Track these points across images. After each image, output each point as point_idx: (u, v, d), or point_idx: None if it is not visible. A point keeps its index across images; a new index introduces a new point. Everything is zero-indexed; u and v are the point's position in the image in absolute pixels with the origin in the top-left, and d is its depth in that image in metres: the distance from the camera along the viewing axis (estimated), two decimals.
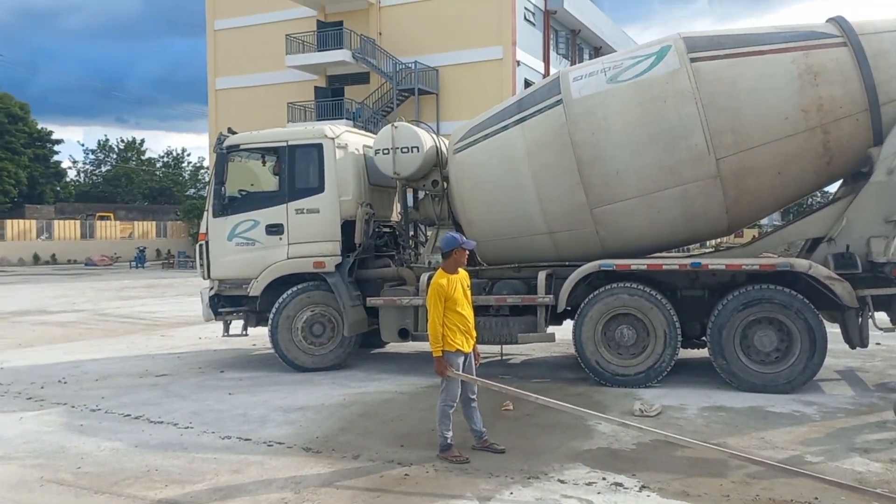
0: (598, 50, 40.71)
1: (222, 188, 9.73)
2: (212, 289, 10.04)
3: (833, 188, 9.53)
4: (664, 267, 8.40)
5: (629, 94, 8.22)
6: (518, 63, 31.79)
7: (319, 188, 9.54)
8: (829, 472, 5.29)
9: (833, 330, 8.26)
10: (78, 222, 46.61)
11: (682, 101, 7.96)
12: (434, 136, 9.84)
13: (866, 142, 7.90)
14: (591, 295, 8.47)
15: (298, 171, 9.65)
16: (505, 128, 8.87)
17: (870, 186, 7.87)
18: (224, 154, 9.71)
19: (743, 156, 7.91)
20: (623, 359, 8.39)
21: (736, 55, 8.04)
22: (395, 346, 11.22)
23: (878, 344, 10.26)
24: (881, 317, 8.03)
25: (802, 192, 8.65)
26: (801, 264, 7.85)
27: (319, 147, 9.55)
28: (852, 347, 8.39)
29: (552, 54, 35.81)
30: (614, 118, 8.21)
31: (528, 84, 29.90)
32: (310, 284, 9.65)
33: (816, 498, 4.91)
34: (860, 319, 8.06)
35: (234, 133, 10.02)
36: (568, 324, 8.95)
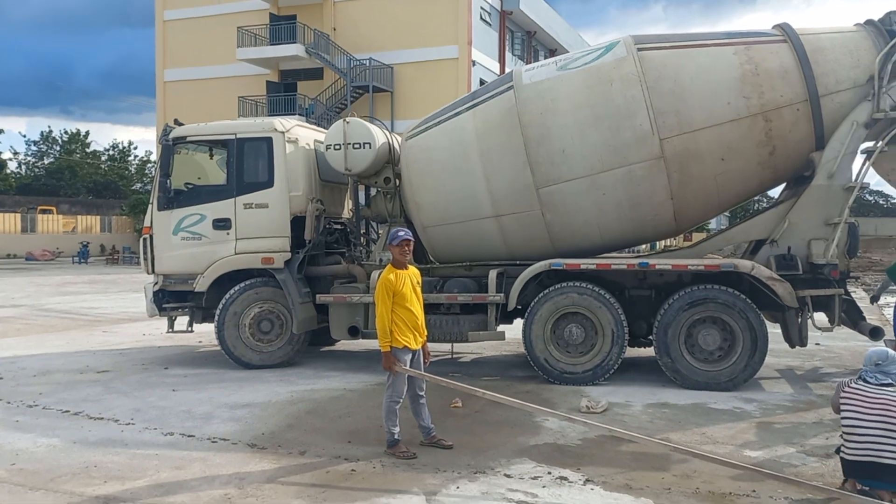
0: (553, 52, 41.07)
1: (167, 181, 9.49)
2: (156, 284, 9.82)
3: (777, 193, 9.81)
4: (613, 266, 8.51)
5: (577, 78, 8.46)
6: (473, 63, 31.88)
7: (268, 183, 9.40)
8: (766, 466, 5.43)
9: (774, 330, 8.48)
10: (18, 215, 45.03)
11: (627, 84, 8.17)
12: (387, 132, 9.78)
13: (807, 134, 8.13)
14: (541, 294, 8.53)
15: (247, 164, 9.49)
16: (457, 114, 9.02)
17: (811, 190, 8.13)
18: (170, 146, 9.49)
19: (686, 138, 8.08)
20: (571, 357, 8.47)
21: (681, 47, 8.39)
22: (344, 344, 11.13)
23: (817, 344, 10.58)
24: (820, 317, 8.28)
25: (748, 186, 8.65)
26: (745, 265, 8.04)
27: (269, 141, 9.41)
28: (792, 346, 8.63)
29: (507, 55, 36.00)
30: (562, 100, 8.40)
31: (483, 84, 30.00)
32: (258, 281, 9.51)
33: (754, 490, 5.04)
34: (800, 319, 8.29)
35: (180, 124, 9.83)
36: (518, 322, 9.01)
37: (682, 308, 8.13)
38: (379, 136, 9.39)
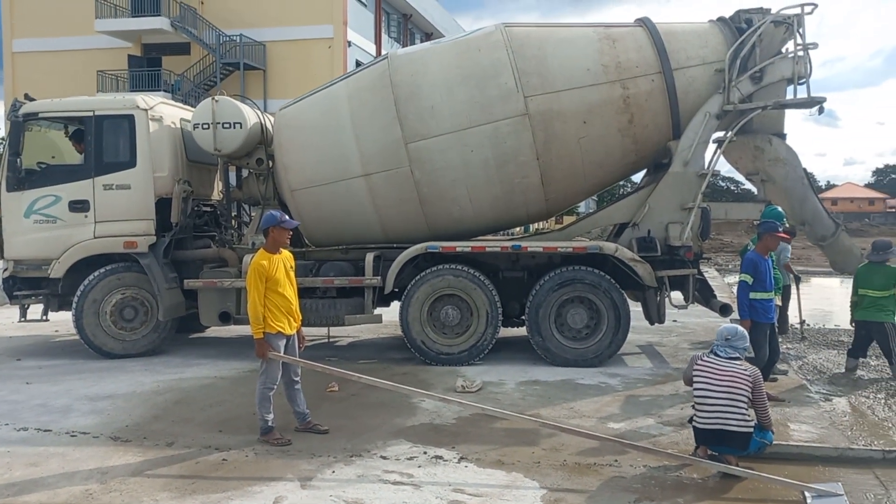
0: (430, 36, 41.17)
1: (17, 160, 8.84)
2: (6, 270, 9.16)
3: (639, 179, 10.33)
4: (487, 249, 8.72)
5: (448, 48, 9.00)
6: (349, 43, 31.43)
7: (130, 163, 8.94)
8: (627, 437, 5.76)
9: (635, 308, 8.97)
10: None
11: (493, 49, 8.58)
12: (259, 112, 9.51)
13: (662, 103, 8.60)
14: (418, 276, 8.62)
15: (107, 143, 8.99)
16: (332, 85, 9.20)
17: (668, 176, 8.64)
18: (19, 122, 8.84)
19: (550, 97, 8.43)
20: (448, 338, 8.63)
21: (546, 27, 9.04)
22: (215, 330, 10.79)
23: (674, 321, 11.29)
24: (676, 295, 8.84)
25: (610, 155, 8.76)
26: (609, 247, 8.46)
27: (131, 118, 8.95)
28: (651, 323, 9.18)
29: (384, 37, 35.75)
30: (432, 63, 8.75)
31: (359, 65, 29.66)
32: (120, 266, 9.04)
33: (616, 460, 5.33)
34: (658, 298, 8.82)
35: (31, 100, 9.16)
36: (395, 305, 9.05)
37: (553, 289, 8.45)
38: (250, 115, 9.11)
